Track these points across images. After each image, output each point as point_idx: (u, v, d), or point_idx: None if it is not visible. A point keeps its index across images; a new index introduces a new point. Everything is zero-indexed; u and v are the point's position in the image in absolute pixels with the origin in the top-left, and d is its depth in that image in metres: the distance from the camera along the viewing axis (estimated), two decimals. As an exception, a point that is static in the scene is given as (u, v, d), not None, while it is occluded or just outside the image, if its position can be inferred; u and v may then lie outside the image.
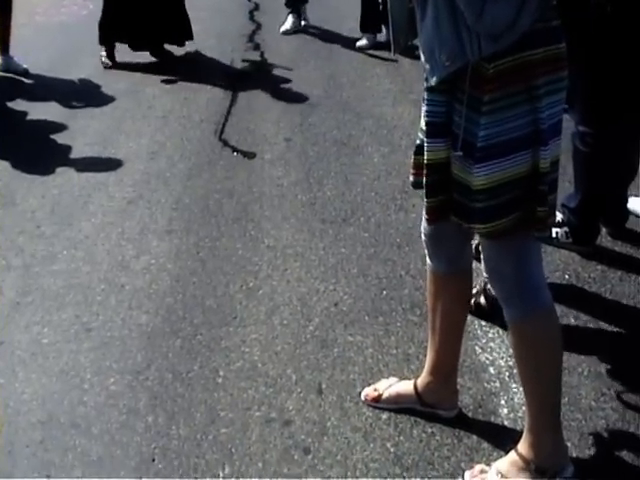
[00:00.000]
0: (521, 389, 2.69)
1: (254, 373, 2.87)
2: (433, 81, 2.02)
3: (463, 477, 2.40)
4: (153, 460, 2.49)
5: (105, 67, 6.31)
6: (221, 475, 2.43)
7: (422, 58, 2.06)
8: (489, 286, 2.90)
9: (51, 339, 3.07)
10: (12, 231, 3.87)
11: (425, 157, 2.14)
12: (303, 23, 7.29)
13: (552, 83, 1.99)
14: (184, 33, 6.53)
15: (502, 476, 2.33)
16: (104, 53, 6.36)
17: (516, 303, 2.21)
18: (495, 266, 2.22)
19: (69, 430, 2.62)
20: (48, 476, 2.44)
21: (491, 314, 3.00)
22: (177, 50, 6.67)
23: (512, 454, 2.37)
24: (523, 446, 2.34)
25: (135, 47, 6.37)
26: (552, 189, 2.11)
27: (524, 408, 2.64)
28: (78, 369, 2.91)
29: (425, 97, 2.11)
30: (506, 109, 1.96)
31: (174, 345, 3.02)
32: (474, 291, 2.99)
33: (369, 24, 6.79)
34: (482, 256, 2.33)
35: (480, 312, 3.07)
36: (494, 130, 1.97)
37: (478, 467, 2.42)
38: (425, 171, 2.15)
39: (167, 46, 6.50)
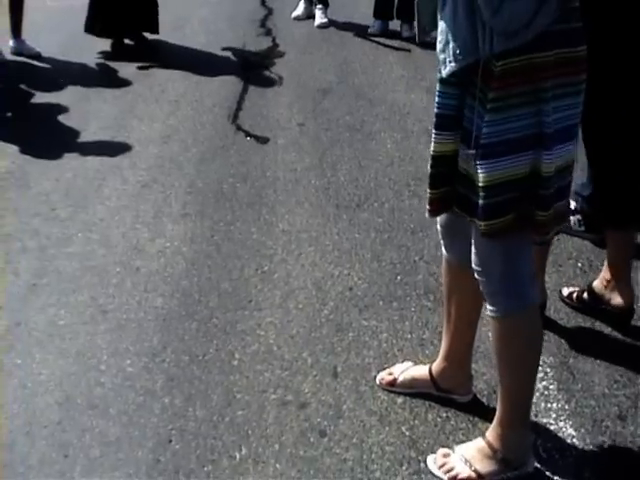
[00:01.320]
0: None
1: (270, 356, 2.88)
2: (444, 73, 2.01)
3: (426, 462, 2.42)
4: (170, 441, 2.50)
5: (114, 52, 6.32)
6: (237, 457, 2.44)
7: (437, 48, 2.05)
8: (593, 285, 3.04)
9: (67, 321, 3.09)
10: (27, 214, 3.88)
11: (432, 148, 2.14)
12: (324, 20, 7.23)
13: (562, 87, 1.96)
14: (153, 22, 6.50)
15: (466, 461, 2.35)
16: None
17: (499, 300, 2.20)
18: (483, 262, 2.19)
19: (86, 411, 2.63)
20: (66, 456, 2.45)
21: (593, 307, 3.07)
22: (188, 34, 6.68)
23: (479, 441, 2.39)
24: (491, 435, 2.36)
25: (113, 34, 6.38)
26: (561, 196, 2.09)
27: (537, 394, 2.68)
28: (95, 351, 2.92)
29: (437, 89, 2.11)
30: (510, 109, 1.95)
31: (190, 328, 3.04)
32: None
33: (382, 11, 6.79)
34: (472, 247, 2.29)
35: (584, 304, 3.11)
36: (497, 128, 1.95)
37: (441, 451, 2.44)
38: (430, 162, 2.16)
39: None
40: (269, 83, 5.73)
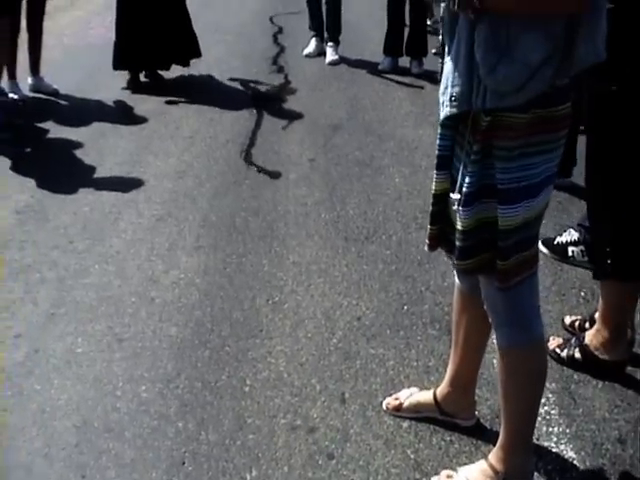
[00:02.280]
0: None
1: (280, 383, 2.98)
2: (441, 116, 2.10)
3: None
4: (183, 463, 2.60)
5: (128, 88, 6.48)
6: (248, 478, 2.53)
7: (439, 90, 2.15)
8: (586, 341, 3.03)
9: (85, 348, 3.20)
10: (45, 246, 4.00)
11: (432, 187, 2.22)
12: (335, 57, 7.39)
13: (541, 144, 2.03)
14: (192, 51, 6.69)
15: None
16: (129, 77, 6.55)
17: (505, 332, 2.28)
18: (486, 296, 2.28)
19: (103, 434, 2.73)
20: (83, 476, 2.55)
21: (586, 366, 3.05)
22: (203, 71, 6.85)
23: (482, 463, 2.47)
24: (494, 458, 2.44)
25: (145, 69, 6.59)
26: (522, 248, 2.13)
27: (539, 419, 2.76)
28: (111, 377, 3.02)
29: (438, 130, 2.19)
30: (484, 161, 2.02)
31: (203, 356, 3.14)
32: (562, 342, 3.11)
33: (391, 47, 6.94)
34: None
35: (574, 364, 3.07)
36: (474, 178, 2.04)
37: (444, 472, 2.52)
38: (432, 200, 2.24)
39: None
40: (281, 119, 5.86)
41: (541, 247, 3.85)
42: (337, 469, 2.57)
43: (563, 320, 3.31)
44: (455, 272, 2.44)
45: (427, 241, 2.33)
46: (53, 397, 2.92)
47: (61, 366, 3.09)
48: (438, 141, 2.17)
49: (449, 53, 2.08)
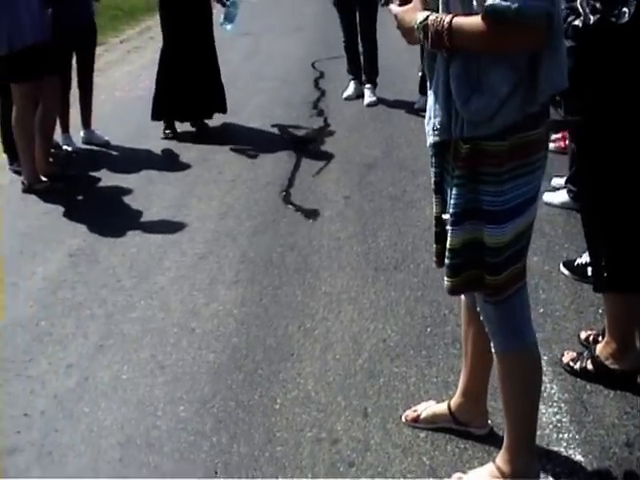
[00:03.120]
0: (547, 409, 3.00)
1: (307, 400, 3.21)
2: (427, 144, 2.34)
3: None
4: (216, 473, 2.84)
5: (166, 138, 6.86)
6: (275, 485, 2.76)
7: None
8: (597, 352, 3.21)
9: (130, 375, 3.47)
10: (95, 285, 4.31)
11: (433, 210, 2.46)
12: (373, 99, 7.65)
13: (518, 168, 2.23)
14: (222, 104, 7.06)
15: None
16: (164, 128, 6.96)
17: (498, 339, 2.49)
18: (482, 308, 2.49)
19: (144, 449, 2.99)
20: (126, 487, 2.81)
21: (598, 377, 3.21)
22: (245, 119, 7.20)
23: (490, 465, 2.66)
24: (500, 460, 2.63)
25: (182, 120, 6.95)
26: (513, 262, 2.33)
27: (551, 427, 2.94)
28: (152, 400, 3.29)
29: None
30: (472, 184, 2.24)
31: (237, 378, 3.39)
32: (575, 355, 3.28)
33: (426, 86, 7.15)
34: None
35: (587, 375, 3.23)
36: (461, 200, 2.26)
37: (456, 475, 2.72)
38: (434, 222, 2.47)
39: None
40: (319, 161, 6.13)
41: (562, 269, 4.05)
42: (357, 475, 2.78)
43: (579, 335, 3.48)
44: (447, 292, 2.60)
45: (434, 258, 2.55)
46: (100, 418, 3.19)
47: (108, 391, 3.37)
48: (432, 168, 2.40)
49: (431, 87, 2.33)
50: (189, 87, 6.69)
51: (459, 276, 2.37)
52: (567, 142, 5.25)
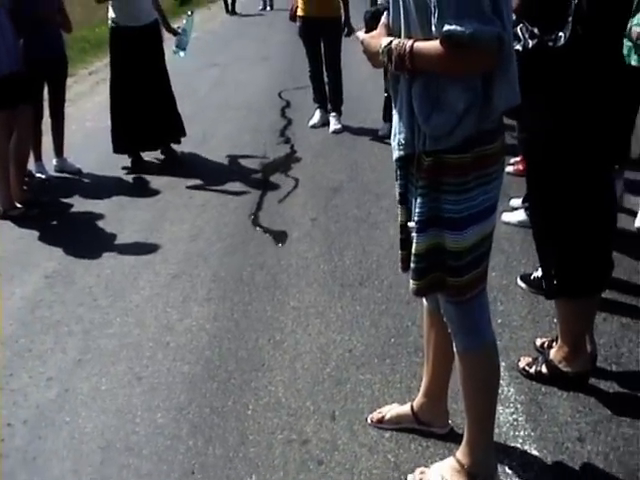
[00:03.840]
0: (505, 410, 3.20)
1: (278, 406, 3.38)
2: (393, 158, 2.55)
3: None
4: (193, 472, 3.01)
5: (134, 171, 7.02)
6: (249, 482, 2.94)
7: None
8: (551, 356, 3.43)
9: (108, 386, 3.62)
10: (72, 304, 4.46)
11: (398, 219, 2.65)
12: (338, 126, 7.91)
13: (479, 178, 2.43)
14: (180, 131, 7.28)
15: (439, 476, 2.84)
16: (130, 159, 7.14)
17: (459, 339, 2.69)
18: (445, 308, 2.69)
19: (124, 453, 3.15)
20: (107, 487, 2.97)
21: (552, 380, 3.42)
22: (214, 147, 7.39)
23: (450, 459, 2.87)
24: (460, 453, 2.84)
25: (143, 149, 7.16)
26: (474, 266, 2.53)
27: (508, 425, 3.15)
28: (131, 408, 3.44)
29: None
30: (435, 194, 2.43)
31: (211, 387, 3.55)
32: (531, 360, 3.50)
33: (390, 114, 7.39)
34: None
35: (542, 378, 3.44)
36: (424, 209, 2.45)
37: (419, 469, 2.92)
38: (399, 229, 2.67)
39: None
40: (286, 186, 6.33)
41: (519, 282, 4.28)
42: (326, 472, 2.96)
43: (534, 342, 3.69)
44: (412, 294, 2.79)
45: (400, 264, 2.75)
46: (81, 426, 3.35)
47: (88, 401, 3.52)
48: (397, 180, 2.61)
49: (395, 106, 2.54)
50: (144, 116, 6.87)
51: (423, 279, 2.56)
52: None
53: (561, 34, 2.89)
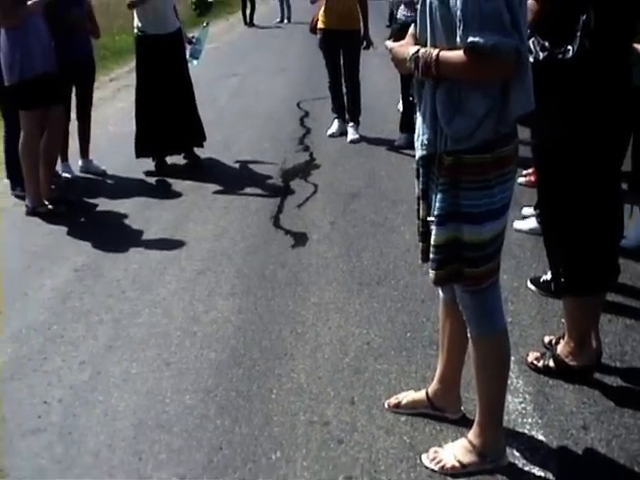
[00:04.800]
0: (514, 399, 3.39)
1: (300, 391, 3.58)
2: (416, 157, 2.78)
3: (421, 458, 3.09)
4: (220, 448, 3.20)
5: (157, 174, 7.25)
6: (273, 457, 3.13)
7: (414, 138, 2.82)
8: (558, 351, 3.62)
9: (138, 370, 3.83)
10: (102, 295, 4.67)
11: (420, 214, 2.88)
12: (356, 136, 8.13)
13: (498, 177, 2.65)
14: (201, 135, 7.52)
15: (452, 455, 3.04)
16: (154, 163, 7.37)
17: (474, 325, 2.90)
18: (461, 297, 2.89)
19: (155, 429, 3.35)
20: (140, 459, 3.17)
21: (559, 373, 3.61)
22: (235, 152, 7.62)
23: (462, 440, 3.08)
24: (472, 434, 3.04)
25: (166, 154, 7.40)
26: (490, 259, 2.76)
27: (516, 413, 3.34)
28: (160, 390, 3.65)
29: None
30: (455, 191, 2.65)
31: (237, 373, 3.75)
32: (539, 355, 3.69)
33: (407, 125, 7.63)
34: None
35: (549, 372, 3.63)
36: (444, 204, 2.68)
37: (432, 449, 3.11)
38: (420, 223, 2.90)
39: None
40: (305, 191, 6.54)
41: (529, 285, 4.48)
42: (346, 450, 3.16)
43: (543, 339, 3.88)
44: (432, 283, 3.01)
45: (420, 255, 2.98)
46: (113, 405, 3.55)
47: (119, 383, 3.72)
48: (418, 178, 2.83)
49: (419, 110, 2.76)
50: (168, 121, 7.11)
51: (442, 269, 2.78)
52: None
53: (570, 47, 3.14)
